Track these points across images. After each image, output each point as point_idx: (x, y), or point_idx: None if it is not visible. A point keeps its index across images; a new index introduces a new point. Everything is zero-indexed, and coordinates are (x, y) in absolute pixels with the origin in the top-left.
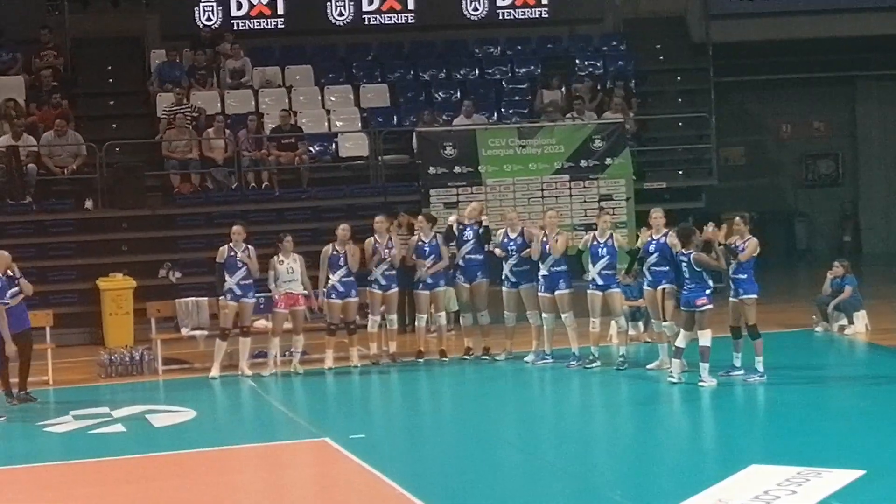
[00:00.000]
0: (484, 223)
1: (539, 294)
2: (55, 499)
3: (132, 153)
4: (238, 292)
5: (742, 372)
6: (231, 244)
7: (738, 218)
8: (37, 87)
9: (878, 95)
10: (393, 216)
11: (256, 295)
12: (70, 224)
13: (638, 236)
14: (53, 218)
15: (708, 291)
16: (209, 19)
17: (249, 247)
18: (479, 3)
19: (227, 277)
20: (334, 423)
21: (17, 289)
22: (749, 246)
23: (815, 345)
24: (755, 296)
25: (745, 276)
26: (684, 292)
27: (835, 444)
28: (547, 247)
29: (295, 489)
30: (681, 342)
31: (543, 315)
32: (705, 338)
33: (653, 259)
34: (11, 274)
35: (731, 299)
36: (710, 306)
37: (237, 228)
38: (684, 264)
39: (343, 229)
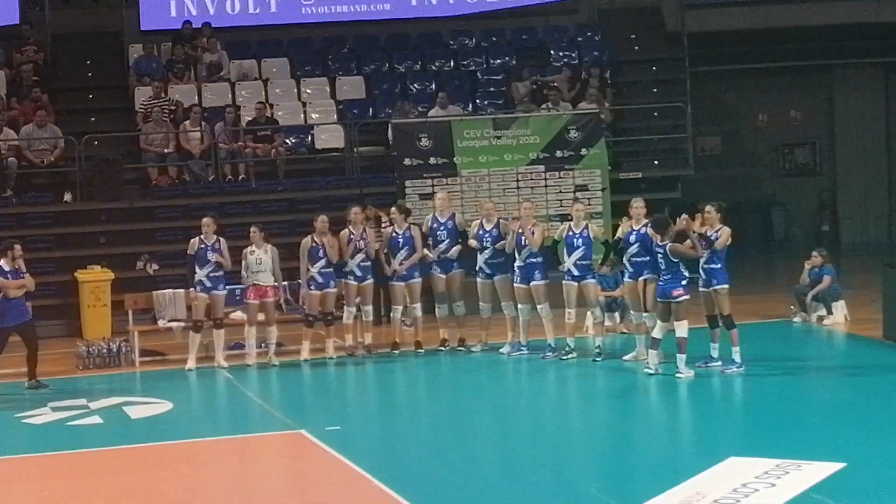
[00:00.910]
0: (458, 222)
1: (515, 285)
2: (32, 491)
3: (111, 146)
4: (208, 284)
5: (720, 363)
6: (202, 236)
7: (708, 207)
8: (17, 81)
9: (854, 84)
10: (365, 208)
11: (232, 287)
12: (49, 217)
13: (618, 226)
14: (33, 210)
15: (684, 282)
16: (187, 14)
17: (221, 239)
18: None
19: (197, 269)
20: (310, 415)
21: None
22: (722, 235)
23: (794, 335)
24: (727, 286)
25: (717, 265)
26: (660, 283)
27: (814, 436)
28: (523, 238)
29: (270, 481)
30: (657, 333)
31: (519, 306)
32: (682, 329)
33: (633, 249)
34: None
35: (701, 289)
36: (686, 297)
37: (207, 220)
38: (660, 255)
39: (322, 221)
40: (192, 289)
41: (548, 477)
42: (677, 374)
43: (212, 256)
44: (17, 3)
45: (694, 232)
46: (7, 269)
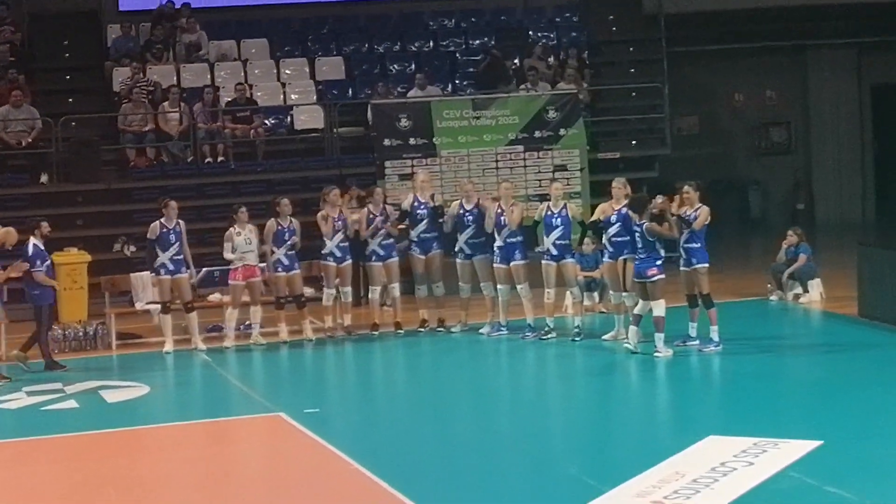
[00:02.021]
0: (437, 202)
1: (494, 265)
2: (6, 477)
3: (88, 127)
4: (171, 267)
5: (698, 342)
6: (163, 220)
7: (686, 186)
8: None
9: (828, 64)
10: (345, 189)
11: (210, 269)
12: (25, 198)
13: (596, 206)
14: (9, 192)
15: (659, 262)
16: None
17: (181, 222)
18: None
19: (159, 253)
20: (289, 397)
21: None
22: (700, 214)
23: (770, 314)
24: (707, 265)
25: (697, 245)
26: (636, 262)
27: (791, 414)
28: (503, 218)
29: (248, 464)
30: (639, 310)
31: (499, 286)
32: (659, 308)
33: (614, 229)
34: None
35: (682, 269)
36: (661, 276)
37: (173, 203)
38: (637, 234)
39: (286, 204)
40: (154, 272)
41: (527, 457)
42: (655, 353)
43: (174, 239)
44: None
45: (673, 215)
46: (42, 247)
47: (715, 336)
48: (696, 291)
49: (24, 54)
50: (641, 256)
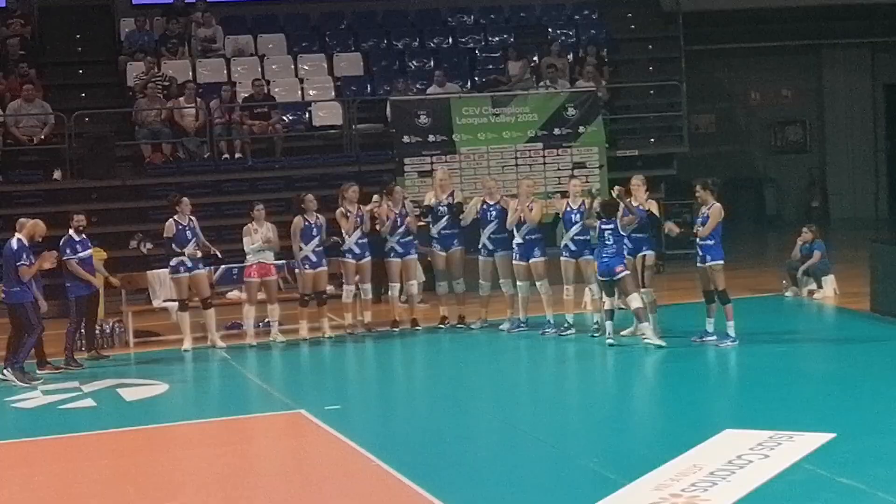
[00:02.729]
0: (456, 199)
1: (514, 262)
2: (25, 475)
3: (102, 123)
4: (189, 264)
5: (714, 337)
6: (176, 217)
7: (698, 185)
8: (3, 56)
9: (843, 63)
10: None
11: (229, 266)
12: (39, 195)
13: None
14: (22, 189)
15: (625, 260)
16: None
17: (193, 218)
18: None
19: (177, 250)
20: (309, 394)
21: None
22: (713, 212)
23: (785, 309)
24: (722, 261)
25: (711, 241)
26: (604, 259)
27: (806, 407)
28: (521, 215)
29: (270, 461)
30: (609, 305)
31: (518, 283)
32: (636, 301)
33: (635, 224)
34: (39, 241)
35: (698, 265)
36: (627, 272)
37: (186, 200)
38: (608, 232)
39: (311, 200)
40: (172, 271)
41: (547, 451)
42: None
43: (190, 236)
44: None
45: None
46: (77, 239)
47: (731, 332)
48: (711, 287)
49: (34, 48)
50: (610, 253)
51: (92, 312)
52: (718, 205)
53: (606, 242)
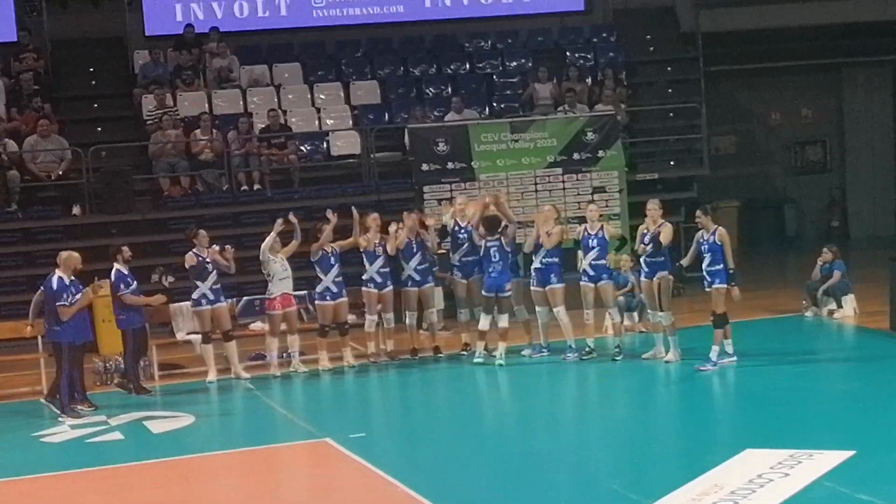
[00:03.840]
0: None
1: (531, 288)
2: None
3: (119, 156)
4: (211, 297)
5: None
6: (195, 250)
7: (698, 211)
8: (17, 91)
9: (863, 82)
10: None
11: (251, 298)
12: (58, 231)
13: (632, 230)
14: (40, 225)
15: (513, 277)
16: (194, 18)
17: (214, 246)
18: None
19: (199, 284)
20: (334, 423)
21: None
22: (720, 236)
23: (805, 329)
24: (725, 285)
25: (719, 266)
26: (492, 275)
27: (825, 426)
28: (539, 240)
29: (297, 490)
30: (484, 325)
31: (537, 309)
32: (504, 321)
33: (649, 249)
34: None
35: (706, 289)
36: (511, 291)
37: (203, 232)
38: (493, 249)
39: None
40: (194, 304)
41: (571, 474)
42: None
43: (215, 257)
44: (14, 18)
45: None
46: (125, 272)
47: (714, 356)
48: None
49: (48, 82)
50: (499, 270)
51: (145, 344)
52: (722, 229)
53: (492, 259)
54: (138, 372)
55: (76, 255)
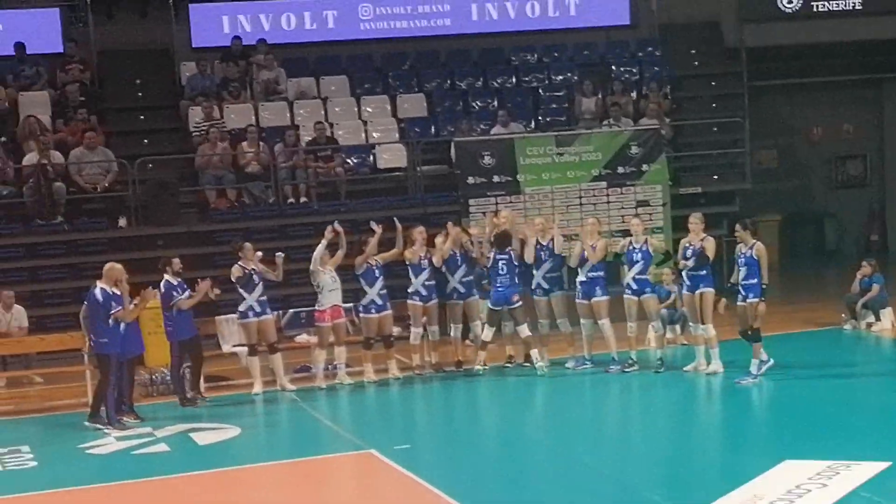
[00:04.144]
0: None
1: (577, 300)
2: None
3: (165, 169)
4: (258, 309)
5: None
6: (241, 262)
7: (737, 226)
8: (63, 102)
9: None
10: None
11: (297, 310)
12: (103, 243)
13: (675, 244)
14: (86, 237)
15: (520, 289)
16: (241, 30)
17: (258, 252)
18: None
19: (245, 296)
20: (379, 434)
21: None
22: (757, 251)
23: (844, 342)
24: (759, 299)
25: (754, 280)
26: (500, 289)
27: (863, 437)
28: (585, 253)
29: (343, 502)
30: (487, 336)
31: (582, 321)
32: (524, 331)
33: (691, 263)
34: (118, 291)
35: (738, 303)
36: (521, 302)
37: (249, 245)
38: (502, 262)
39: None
40: (241, 316)
41: (613, 485)
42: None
43: (261, 269)
44: (60, 29)
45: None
46: (175, 283)
47: (754, 369)
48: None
49: (94, 94)
50: (506, 284)
51: (197, 356)
52: (760, 244)
53: (500, 272)
54: (184, 384)
55: (118, 266)
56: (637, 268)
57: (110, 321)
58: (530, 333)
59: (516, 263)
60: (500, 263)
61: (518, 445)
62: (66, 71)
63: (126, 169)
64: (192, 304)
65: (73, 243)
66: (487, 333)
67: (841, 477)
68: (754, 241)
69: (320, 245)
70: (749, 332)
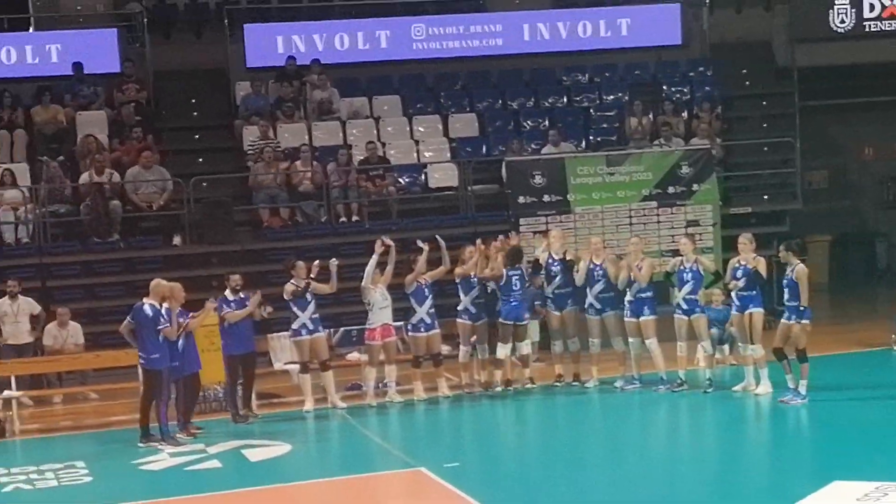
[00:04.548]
0: (568, 257)
1: (626, 319)
2: None
3: (219, 187)
4: (311, 327)
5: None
6: (294, 280)
7: (781, 247)
8: (119, 121)
9: None
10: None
11: (348, 328)
12: (158, 261)
13: (725, 264)
14: (141, 255)
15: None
16: (295, 50)
17: (317, 261)
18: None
19: (298, 314)
20: (428, 452)
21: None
22: (797, 274)
23: (894, 363)
24: (801, 322)
25: (796, 302)
26: (512, 304)
27: None
28: (632, 274)
29: None
30: (502, 354)
31: (630, 340)
32: (527, 347)
33: (741, 284)
34: (166, 307)
35: (782, 321)
36: (528, 321)
37: (301, 263)
38: (515, 279)
39: (421, 261)
40: (293, 334)
41: None
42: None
43: (309, 298)
44: (118, 49)
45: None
46: (231, 298)
47: (803, 389)
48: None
49: (150, 113)
50: (518, 299)
51: (248, 372)
52: (802, 266)
53: (513, 288)
54: (236, 400)
55: (165, 283)
56: (687, 288)
57: (160, 337)
58: (529, 352)
59: (527, 280)
60: (514, 279)
61: (567, 465)
62: (123, 91)
63: (181, 187)
64: (241, 317)
65: (128, 261)
66: (501, 351)
67: (890, 498)
68: (797, 262)
69: (371, 260)
70: (796, 353)
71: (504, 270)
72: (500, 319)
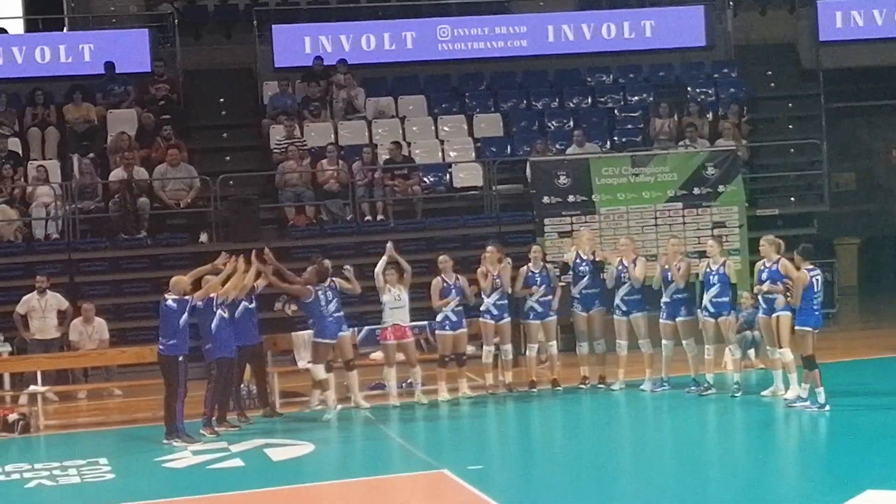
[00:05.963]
0: (597, 257)
1: (661, 321)
2: None
3: (246, 186)
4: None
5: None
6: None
7: (796, 254)
8: (147, 121)
9: None
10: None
11: (372, 328)
12: (185, 258)
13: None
14: (168, 252)
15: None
16: (322, 50)
17: (334, 279)
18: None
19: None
20: (451, 454)
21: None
22: (799, 279)
23: None
24: (806, 328)
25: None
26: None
27: None
28: (669, 274)
29: None
30: (508, 355)
31: (663, 342)
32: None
33: (765, 287)
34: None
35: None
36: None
37: (328, 262)
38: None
39: (444, 260)
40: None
41: None
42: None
43: (332, 296)
44: (149, 48)
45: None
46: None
47: (821, 398)
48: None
49: (179, 112)
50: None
51: (260, 369)
52: (803, 271)
53: (322, 305)
54: (266, 395)
55: (184, 278)
56: (714, 290)
57: (180, 323)
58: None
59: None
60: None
61: (591, 467)
62: (154, 89)
63: (208, 185)
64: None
65: (155, 258)
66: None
67: None
68: (813, 266)
69: (381, 261)
70: (804, 359)
71: (311, 288)
72: (532, 318)
